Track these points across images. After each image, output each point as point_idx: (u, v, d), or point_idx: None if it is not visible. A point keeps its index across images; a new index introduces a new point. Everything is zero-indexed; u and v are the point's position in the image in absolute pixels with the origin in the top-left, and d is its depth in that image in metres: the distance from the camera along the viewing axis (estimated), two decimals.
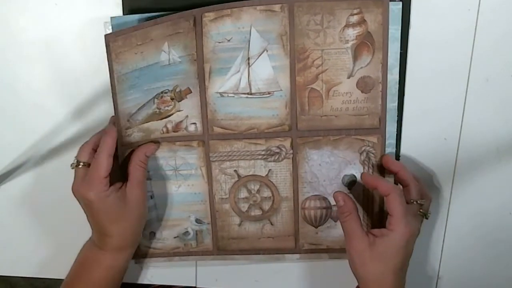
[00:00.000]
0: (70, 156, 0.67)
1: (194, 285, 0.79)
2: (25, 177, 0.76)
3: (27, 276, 0.80)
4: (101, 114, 0.73)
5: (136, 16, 0.68)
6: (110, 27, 0.68)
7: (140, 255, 0.74)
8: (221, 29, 0.64)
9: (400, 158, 0.71)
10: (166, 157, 0.71)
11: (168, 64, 0.66)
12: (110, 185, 0.65)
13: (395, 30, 0.66)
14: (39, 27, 0.71)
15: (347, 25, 0.63)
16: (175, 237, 0.74)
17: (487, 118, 0.70)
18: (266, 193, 0.71)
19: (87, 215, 0.67)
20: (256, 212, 0.72)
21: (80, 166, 0.66)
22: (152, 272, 0.78)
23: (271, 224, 0.72)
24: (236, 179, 0.71)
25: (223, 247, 0.73)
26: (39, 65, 0.72)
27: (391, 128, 0.69)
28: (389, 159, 0.68)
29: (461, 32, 0.68)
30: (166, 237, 0.74)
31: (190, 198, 0.72)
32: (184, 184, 0.72)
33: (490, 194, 0.72)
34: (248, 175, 0.71)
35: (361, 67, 0.64)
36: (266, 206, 0.72)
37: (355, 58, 0.64)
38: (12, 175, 0.76)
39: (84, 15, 0.70)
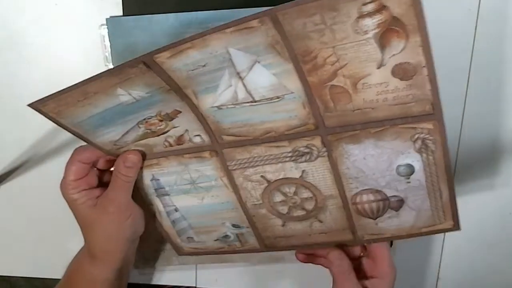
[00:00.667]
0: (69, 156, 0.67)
1: (194, 285, 0.79)
2: (25, 177, 0.76)
3: (27, 276, 0.80)
4: None
5: (132, 18, 0.68)
6: (106, 29, 0.68)
7: (185, 253, 0.71)
8: (187, 60, 0.54)
9: None
10: (178, 172, 0.63)
11: (135, 101, 0.57)
12: (86, 190, 0.63)
13: None
14: (39, 27, 0.71)
15: (362, 16, 0.53)
16: (215, 240, 0.68)
17: (487, 118, 0.69)
18: (305, 193, 0.63)
19: None
20: (299, 213, 0.64)
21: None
22: (152, 272, 0.79)
23: (320, 221, 0.65)
24: (266, 184, 0.62)
25: (270, 245, 0.67)
26: (39, 65, 0.72)
27: None
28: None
29: (461, 32, 0.67)
30: (205, 240, 0.68)
31: (219, 208, 0.65)
32: (207, 195, 0.64)
33: (490, 194, 0.72)
34: (279, 179, 0.62)
35: (394, 55, 0.55)
36: (309, 206, 0.63)
37: (383, 46, 0.55)
38: (12, 175, 0.76)
39: (84, 15, 0.70)
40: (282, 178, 0.61)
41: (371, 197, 0.62)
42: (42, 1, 0.70)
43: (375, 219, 0.64)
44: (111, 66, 0.69)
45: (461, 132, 0.71)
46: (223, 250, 0.69)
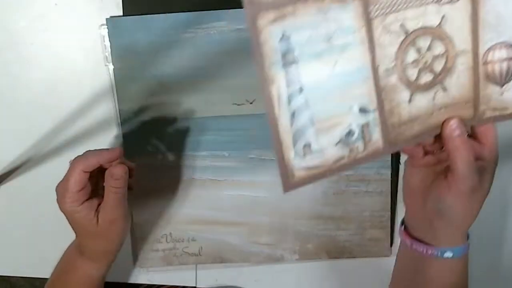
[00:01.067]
0: (70, 156, 0.66)
1: (194, 285, 0.79)
2: (25, 177, 0.76)
3: (27, 276, 0.80)
4: (101, 114, 0.73)
5: (131, 18, 0.69)
6: (106, 29, 0.69)
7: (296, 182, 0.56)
8: None
9: (400, 159, 0.73)
10: (315, 23, 0.51)
11: None
12: (86, 201, 0.63)
13: None
14: (39, 27, 0.71)
15: None
16: (336, 144, 0.57)
17: None
18: (439, 48, 0.55)
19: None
20: (427, 78, 0.57)
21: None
22: (152, 272, 0.78)
23: (444, 89, 0.58)
24: (403, 37, 0.55)
25: (394, 139, 0.58)
26: (39, 65, 0.72)
27: None
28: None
29: None
30: (325, 146, 0.56)
31: (350, 78, 0.55)
32: (341, 58, 0.54)
33: (490, 194, 0.72)
34: (417, 29, 0.54)
35: None
36: (438, 66, 0.57)
37: None
38: (12, 175, 0.75)
39: (84, 15, 0.71)
40: (420, 28, 0.54)
41: (504, 53, 0.56)
42: (42, 1, 0.71)
43: (502, 85, 0.58)
44: (111, 66, 0.70)
45: None
46: (343, 163, 0.57)
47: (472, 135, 0.59)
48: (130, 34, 0.68)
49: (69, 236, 0.69)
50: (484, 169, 0.59)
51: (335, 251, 0.75)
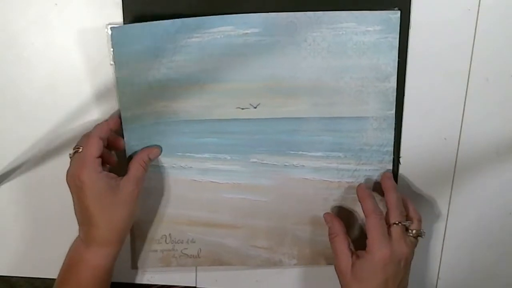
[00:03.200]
0: (69, 158, 0.67)
1: (194, 285, 0.79)
2: (25, 177, 0.75)
3: (27, 276, 0.80)
4: (102, 114, 0.73)
5: (139, 25, 0.67)
6: (111, 38, 0.68)
7: None
8: None
9: (400, 159, 0.72)
10: None
11: None
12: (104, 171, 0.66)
13: (392, 39, 0.67)
14: (39, 27, 0.70)
15: None
16: None
17: (487, 118, 0.71)
18: None
19: (76, 205, 0.66)
20: None
21: (76, 152, 0.66)
22: (153, 273, 0.78)
23: None
24: None
25: None
26: (39, 65, 0.71)
27: (388, 135, 0.70)
28: (384, 177, 0.70)
29: (461, 32, 0.68)
30: None
31: None
32: None
33: (490, 194, 0.73)
34: None
35: None
36: None
37: None
38: (12, 175, 0.75)
39: (84, 15, 0.70)
40: None
41: None
42: (42, 1, 0.69)
43: None
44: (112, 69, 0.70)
45: (461, 132, 0.71)
46: None
47: None
48: (135, 41, 0.67)
49: (70, 236, 0.70)
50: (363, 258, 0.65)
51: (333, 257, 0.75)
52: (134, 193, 0.67)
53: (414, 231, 0.66)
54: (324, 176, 0.72)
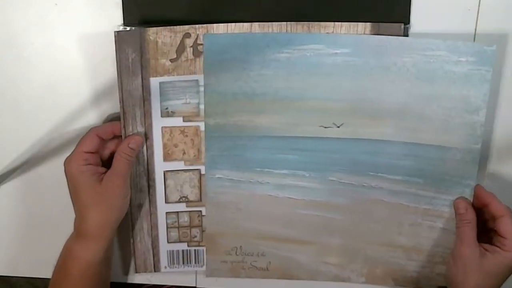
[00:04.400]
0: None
1: (194, 285, 0.79)
2: (25, 177, 0.76)
3: (27, 276, 0.81)
4: (102, 114, 0.74)
5: (231, 35, 0.68)
6: (202, 45, 0.69)
7: None
8: None
9: None
10: None
11: None
12: (92, 166, 0.67)
13: (486, 72, 0.66)
14: (39, 27, 0.71)
15: None
16: None
17: (487, 118, 0.69)
18: None
19: (71, 197, 0.68)
20: None
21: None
22: (152, 272, 0.78)
23: None
24: None
25: None
26: (39, 65, 0.72)
27: (471, 169, 0.70)
28: (482, 190, 0.69)
29: (461, 32, 0.68)
30: None
31: None
32: None
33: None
34: None
35: None
36: None
37: None
38: (12, 175, 0.76)
39: (84, 15, 0.70)
40: None
41: None
42: (42, 1, 0.70)
43: None
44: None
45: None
46: None
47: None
48: (225, 50, 0.68)
49: (69, 236, 0.70)
50: (501, 255, 0.65)
51: (402, 280, 0.75)
52: (118, 188, 0.67)
53: None
54: (401, 200, 0.72)
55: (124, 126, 0.70)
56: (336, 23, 0.68)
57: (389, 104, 0.68)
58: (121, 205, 0.69)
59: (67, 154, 0.68)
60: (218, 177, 0.72)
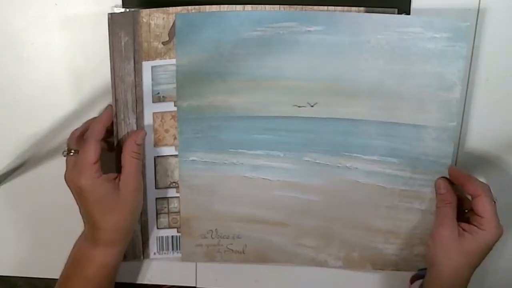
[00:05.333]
0: None
1: (194, 285, 0.79)
2: (25, 177, 0.76)
3: (27, 276, 0.80)
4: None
5: (202, 14, 0.67)
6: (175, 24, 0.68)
7: None
8: None
9: None
10: None
11: None
12: (103, 174, 0.65)
13: (460, 48, 0.65)
14: (39, 27, 0.71)
15: None
16: None
17: (487, 118, 0.70)
18: None
19: (79, 206, 0.66)
20: None
21: (72, 154, 0.66)
22: (152, 272, 0.79)
23: None
24: None
25: None
26: (39, 65, 0.72)
27: (447, 147, 0.69)
28: (456, 170, 0.68)
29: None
30: None
31: None
32: None
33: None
34: None
35: None
36: None
37: None
38: (12, 175, 0.76)
39: (84, 15, 0.70)
40: None
41: None
42: (42, 1, 0.70)
43: None
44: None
45: (461, 132, 0.71)
46: None
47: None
48: (197, 30, 0.67)
49: (70, 236, 0.70)
50: (479, 234, 0.64)
51: (381, 263, 0.74)
52: (136, 190, 0.67)
53: None
54: (377, 181, 0.71)
55: (116, 114, 0.69)
56: (330, 7, 0.67)
57: (364, 82, 0.68)
58: (137, 208, 0.69)
59: None
60: (192, 160, 0.71)
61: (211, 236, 0.74)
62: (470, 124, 0.71)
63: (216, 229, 0.74)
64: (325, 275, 0.77)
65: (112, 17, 0.67)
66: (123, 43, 0.68)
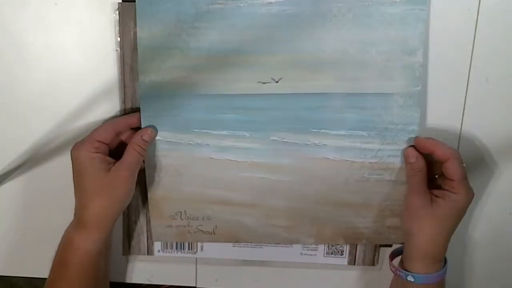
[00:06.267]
0: (70, 156, 0.67)
1: (194, 285, 0.79)
2: (25, 177, 0.75)
3: (27, 276, 0.80)
4: (102, 114, 0.72)
5: None
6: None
7: None
8: None
9: None
10: None
11: None
12: (103, 155, 0.66)
13: (420, 11, 0.65)
14: (39, 27, 0.70)
15: None
16: None
17: (487, 118, 0.70)
18: None
19: (74, 184, 0.67)
20: None
21: None
22: (152, 272, 0.78)
23: None
24: None
25: None
26: (38, 65, 0.71)
27: (413, 113, 0.68)
28: (421, 140, 0.68)
29: (461, 32, 0.68)
30: None
31: None
32: None
33: (490, 194, 0.73)
34: None
35: None
36: None
37: None
38: (12, 175, 0.75)
39: (84, 15, 0.69)
40: None
41: None
42: (42, 1, 0.69)
43: None
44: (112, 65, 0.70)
45: (461, 132, 0.71)
46: None
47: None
48: (157, 1, 0.65)
49: None
50: (451, 198, 0.64)
51: (353, 237, 0.74)
52: (127, 179, 0.66)
53: None
54: (346, 156, 0.70)
55: (124, 101, 0.70)
56: None
57: (328, 54, 0.67)
58: (124, 198, 0.67)
59: (67, 154, 0.67)
60: (156, 139, 0.69)
61: (180, 217, 0.73)
62: (470, 123, 0.71)
63: (185, 210, 0.73)
64: (326, 275, 0.78)
65: (121, 6, 0.66)
66: (132, 33, 0.68)
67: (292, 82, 0.68)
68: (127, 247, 0.76)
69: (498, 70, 0.69)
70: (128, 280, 0.79)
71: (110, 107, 0.72)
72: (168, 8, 0.65)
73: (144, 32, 0.66)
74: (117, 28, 0.69)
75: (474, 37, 0.68)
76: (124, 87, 0.70)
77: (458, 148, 0.71)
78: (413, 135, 0.68)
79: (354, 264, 0.77)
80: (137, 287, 0.80)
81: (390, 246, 0.75)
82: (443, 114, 0.71)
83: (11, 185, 0.76)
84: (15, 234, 0.78)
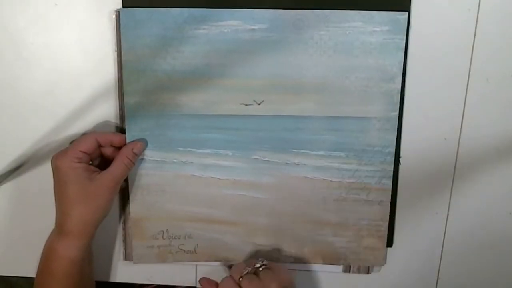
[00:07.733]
0: None
1: (194, 285, 0.79)
2: (25, 177, 0.75)
3: (27, 276, 0.79)
4: (102, 114, 0.72)
5: (146, 10, 0.67)
6: (115, 20, 0.68)
7: None
8: None
9: (400, 159, 0.72)
10: None
11: None
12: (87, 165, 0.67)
13: (399, 40, 0.68)
14: (39, 27, 0.70)
15: None
16: None
17: (487, 118, 0.71)
18: None
19: (55, 193, 0.67)
20: None
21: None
22: (152, 272, 0.78)
23: None
24: None
25: None
26: (38, 65, 0.71)
27: (391, 136, 0.70)
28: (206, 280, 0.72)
29: (461, 32, 0.69)
30: None
31: None
32: None
33: (490, 194, 0.74)
34: None
35: None
36: None
37: None
38: (12, 175, 0.75)
39: (84, 15, 0.70)
40: None
41: None
42: (42, 1, 0.69)
43: None
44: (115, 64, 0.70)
45: (461, 132, 0.72)
46: None
47: None
48: (143, 26, 0.67)
49: None
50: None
51: (330, 257, 0.76)
52: (110, 189, 0.67)
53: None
54: (325, 175, 0.72)
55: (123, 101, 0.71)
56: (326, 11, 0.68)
57: (309, 79, 0.69)
58: (106, 206, 0.68)
59: None
60: (141, 158, 0.71)
61: (162, 236, 0.74)
62: (470, 124, 0.72)
63: (167, 229, 0.74)
64: (326, 276, 0.78)
65: (119, 14, 0.67)
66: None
67: (273, 104, 0.70)
68: (130, 252, 0.76)
69: (498, 70, 0.70)
70: (128, 280, 0.79)
71: (110, 107, 0.72)
72: (153, 33, 0.67)
73: (130, 55, 0.68)
74: (116, 36, 0.69)
75: (474, 37, 0.69)
76: (122, 91, 0.70)
77: (458, 148, 0.72)
78: (389, 157, 0.71)
79: (349, 271, 0.78)
80: (137, 287, 0.80)
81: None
82: (443, 114, 0.72)
83: (11, 185, 0.76)
84: (15, 234, 0.78)
